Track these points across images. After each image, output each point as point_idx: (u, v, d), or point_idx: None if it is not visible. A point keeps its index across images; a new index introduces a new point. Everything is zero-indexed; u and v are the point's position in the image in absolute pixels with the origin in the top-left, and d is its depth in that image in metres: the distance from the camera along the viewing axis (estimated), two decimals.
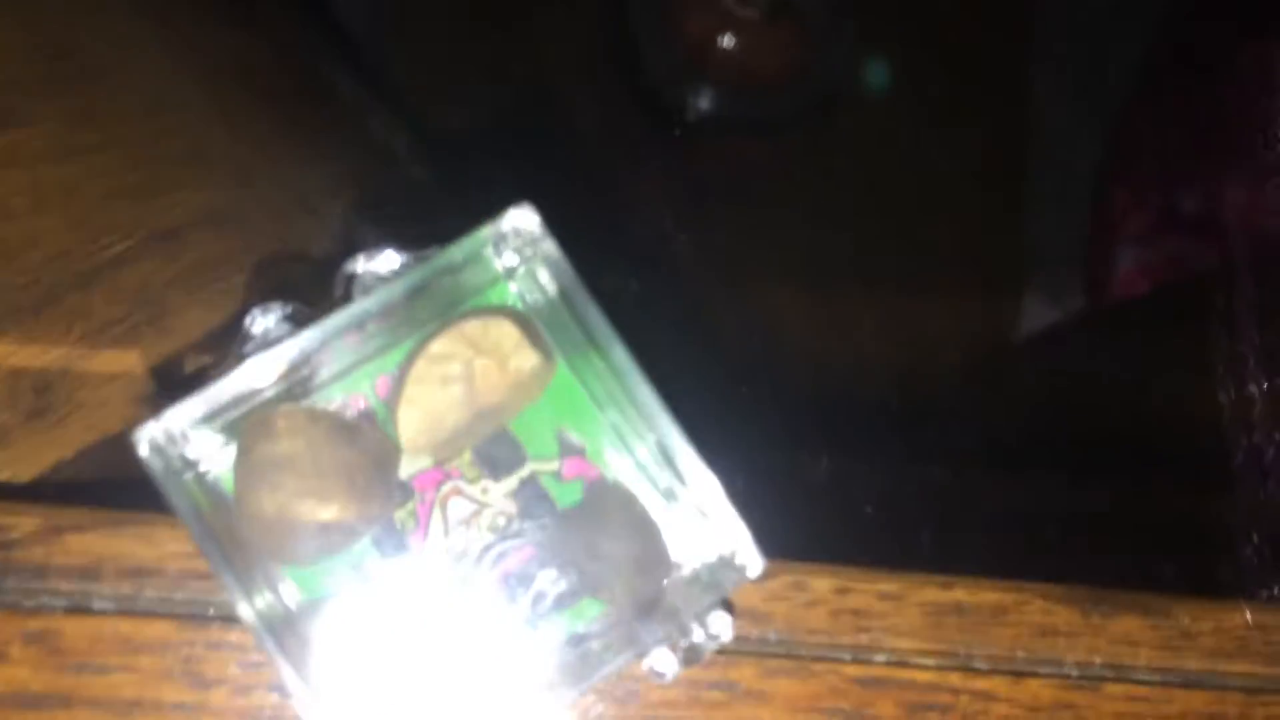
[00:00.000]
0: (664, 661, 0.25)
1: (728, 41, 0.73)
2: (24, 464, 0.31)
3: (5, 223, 0.35)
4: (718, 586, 0.24)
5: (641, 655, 0.25)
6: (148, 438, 0.22)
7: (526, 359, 0.25)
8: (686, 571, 0.25)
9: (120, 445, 0.26)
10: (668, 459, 0.25)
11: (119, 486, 0.30)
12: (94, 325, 0.35)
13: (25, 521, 0.26)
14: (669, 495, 0.25)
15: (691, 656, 0.25)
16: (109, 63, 0.40)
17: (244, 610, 0.22)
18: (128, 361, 0.35)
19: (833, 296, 0.56)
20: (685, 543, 0.26)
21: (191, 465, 0.24)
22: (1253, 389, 0.37)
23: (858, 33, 0.74)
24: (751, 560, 0.24)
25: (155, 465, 0.22)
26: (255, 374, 0.23)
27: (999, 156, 0.69)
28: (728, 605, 0.26)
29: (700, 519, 0.25)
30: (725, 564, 0.24)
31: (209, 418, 0.23)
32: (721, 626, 0.25)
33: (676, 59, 0.73)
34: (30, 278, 0.34)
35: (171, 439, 0.22)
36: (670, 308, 0.28)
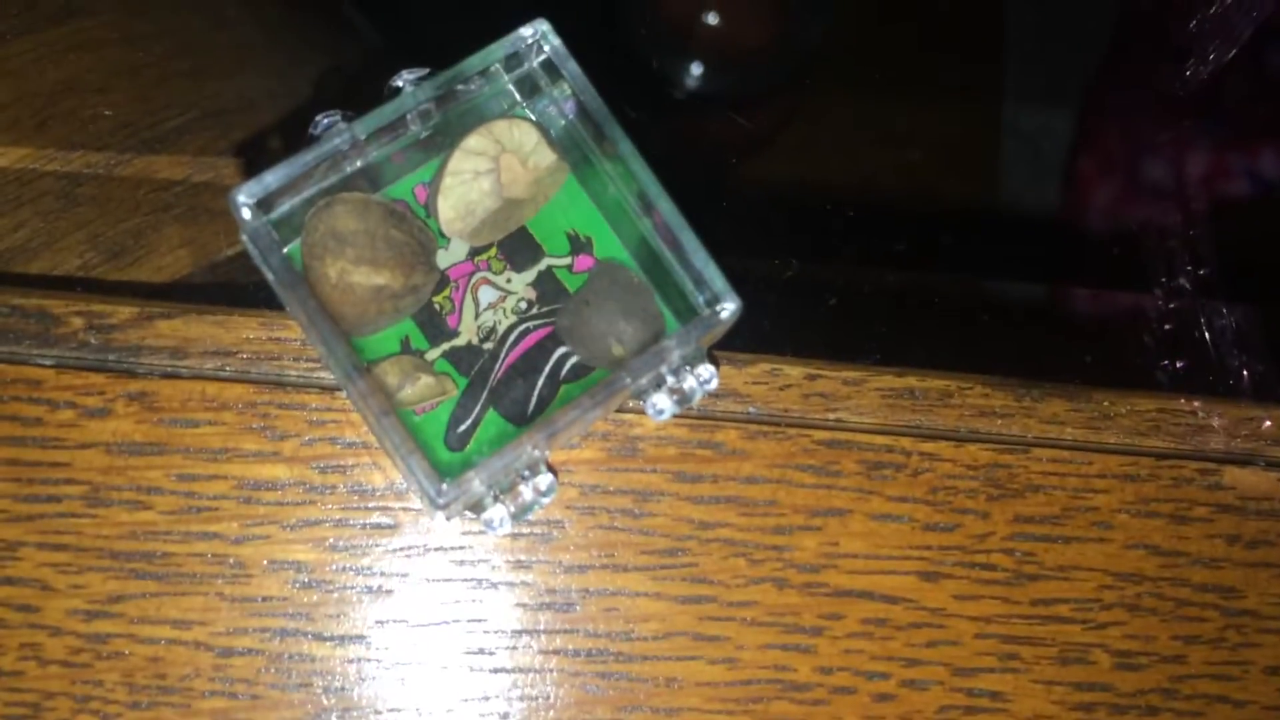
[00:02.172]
0: (662, 402, 0.30)
1: (709, 16, 0.76)
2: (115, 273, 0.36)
3: (75, 95, 0.40)
4: (703, 330, 0.29)
5: (641, 399, 0.30)
6: (244, 195, 0.27)
7: (544, 156, 0.30)
8: (676, 326, 0.31)
9: (189, 276, 0.31)
10: (664, 234, 0.30)
11: (197, 291, 0.35)
12: (159, 184, 0.40)
13: (122, 310, 0.31)
14: (659, 268, 0.31)
15: (684, 399, 0.30)
16: None
17: (325, 358, 0.27)
18: (192, 215, 0.40)
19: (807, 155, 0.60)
20: (672, 303, 0.31)
21: (275, 243, 0.29)
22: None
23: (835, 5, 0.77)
24: (729, 304, 0.29)
25: (249, 224, 0.27)
26: (322, 149, 0.28)
27: (974, 140, 0.72)
28: (712, 359, 0.32)
29: (684, 280, 0.30)
30: (708, 315, 0.29)
31: (287, 188, 0.28)
32: (708, 373, 0.30)
33: (660, 35, 0.76)
34: (101, 143, 0.39)
35: (260, 202, 0.27)
36: (656, 136, 0.32)
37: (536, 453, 0.29)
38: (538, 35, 0.30)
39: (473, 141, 0.30)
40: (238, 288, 0.36)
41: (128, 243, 0.38)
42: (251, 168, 0.41)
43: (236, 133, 0.42)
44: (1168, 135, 0.65)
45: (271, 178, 0.28)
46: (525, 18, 0.30)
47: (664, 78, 0.76)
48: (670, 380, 0.30)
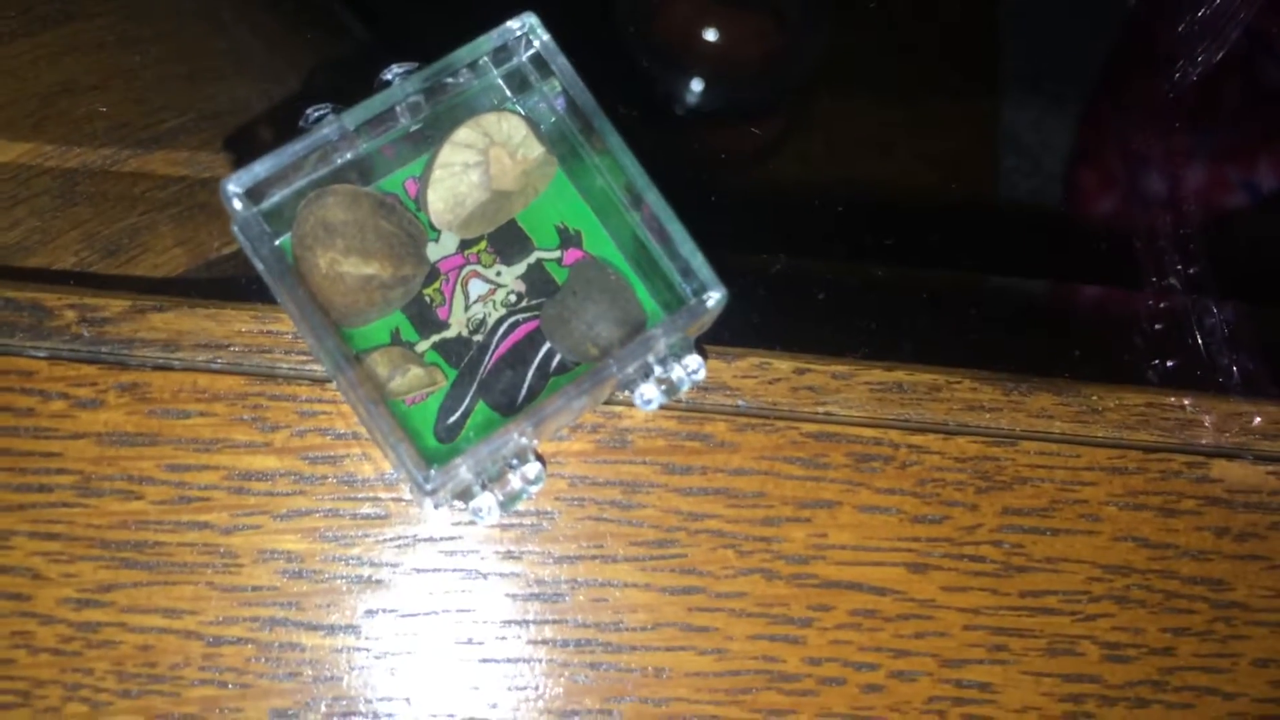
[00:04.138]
0: (649, 392, 0.30)
1: (708, 32, 0.77)
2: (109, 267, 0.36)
3: (72, 96, 0.40)
4: (690, 319, 0.29)
5: (630, 389, 0.30)
6: (234, 185, 0.27)
7: (533, 149, 0.31)
8: (664, 318, 0.31)
9: (184, 275, 0.32)
10: (652, 226, 0.30)
11: (191, 287, 0.36)
12: (155, 183, 0.40)
13: (115, 303, 0.32)
14: (647, 260, 0.31)
15: (672, 389, 0.30)
16: None
17: (315, 348, 0.28)
18: (187, 214, 0.40)
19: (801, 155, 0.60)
20: (659, 295, 0.31)
21: (266, 233, 0.29)
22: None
23: (833, 21, 0.77)
24: (714, 293, 0.29)
25: (239, 214, 0.28)
26: (312, 139, 0.28)
27: (971, 151, 0.73)
28: (701, 350, 0.32)
29: (671, 271, 0.30)
30: (695, 304, 0.29)
31: (277, 178, 0.28)
32: (695, 363, 0.30)
33: (660, 50, 0.76)
34: (98, 142, 0.40)
35: (251, 194, 0.28)
36: (646, 132, 0.33)
37: (524, 441, 0.29)
38: (525, 28, 0.30)
39: (462, 134, 0.30)
40: (231, 283, 0.36)
41: (123, 241, 0.39)
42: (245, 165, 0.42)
43: (231, 134, 0.43)
44: (1165, 148, 0.65)
45: (261, 167, 0.28)
46: (516, 13, 0.30)
47: (662, 93, 0.77)
48: (658, 370, 0.30)
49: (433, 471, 0.27)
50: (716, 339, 0.33)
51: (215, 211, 0.41)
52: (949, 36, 0.69)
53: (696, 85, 0.78)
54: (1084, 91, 0.76)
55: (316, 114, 0.29)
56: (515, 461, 0.29)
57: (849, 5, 0.71)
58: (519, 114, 0.31)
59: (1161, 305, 0.40)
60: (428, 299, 0.32)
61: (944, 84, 0.64)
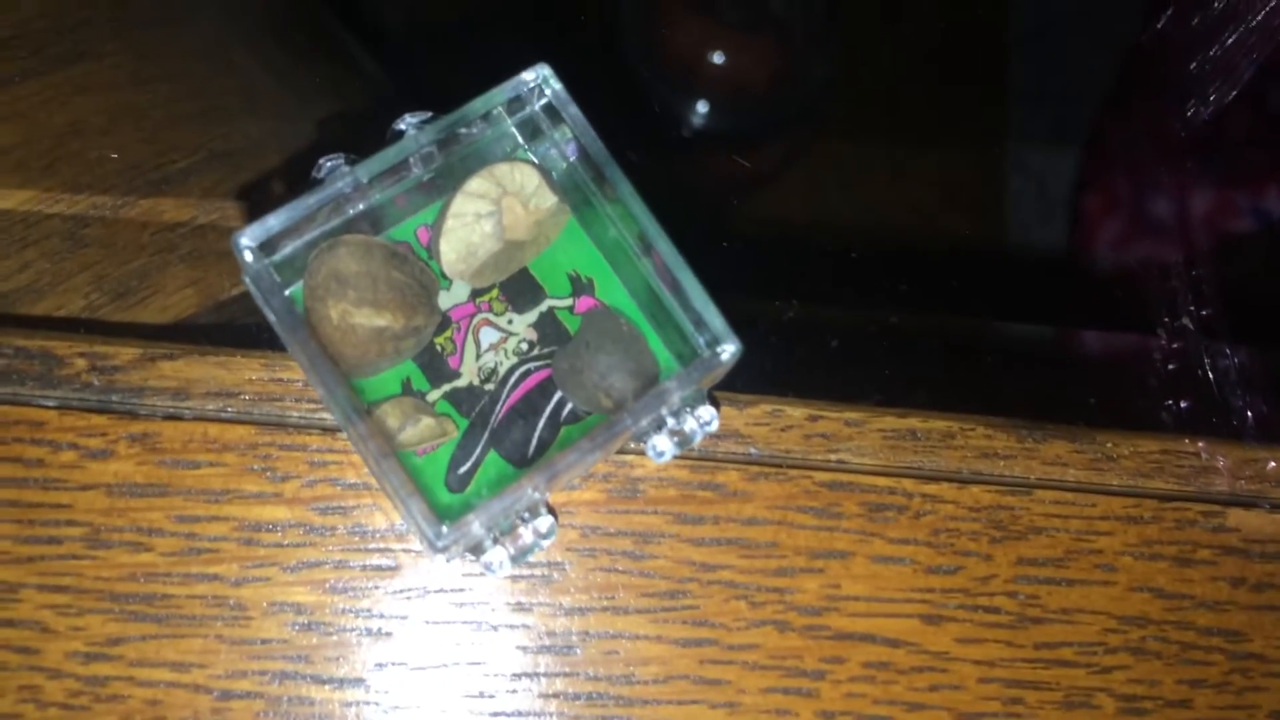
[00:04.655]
0: (662, 444, 0.30)
1: (714, 56, 0.77)
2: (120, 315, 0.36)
3: (82, 137, 0.40)
4: (703, 371, 0.29)
5: (641, 441, 0.30)
6: (246, 239, 0.27)
7: (545, 199, 0.31)
8: (676, 368, 0.31)
9: (194, 316, 0.31)
10: (664, 277, 0.30)
11: (200, 333, 0.35)
12: (165, 225, 0.40)
13: (125, 351, 0.32)
14: (660, 309, 0.31)
15: (684, 441, 0.30)
16: (166, 15, 0.46)
17: (327, 396, 0.27)
18: (198, 255, 0.40)
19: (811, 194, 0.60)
20: (673, 345, 0.31)
21: (277, 285, 0.29)
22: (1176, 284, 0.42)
23: (842, 45, 0.77)
24: (729, 345, 0.29)
25: (251, 266, 0.27)
26: (325, 193, 0.28)
27: (979, 177, 0.72)
28: (713, 401, 0.32)
29: (685, 321, 0.30)
30: (708, 356, 0.29)
31: (289, 231, 0.28)
32: (708, 415, 0.30)
33: (664, 74, 0.76)
34: (108, 184, 0.40)
35: (263, 245, 0.28)
36: (658, 176, 0.33)
37: (536, 495, 0.28)
38: (539, 80, 0.30)
39: (474, 184, 0.30)
40: (242, 328, 0.36)
41: (133, 283, 0.38)
42: (256, 209, 0.41)
43: (243, 174, 0.43)
44: (1172, 173, 0.65)
45: (274, 221, 0.28)
46: (527, 61, 0.30)
47: (668, 116, 0.76)
48: (671, 422, 0.30)
49: (444, 529, 0.27)
50: (729, 386, 0.33)
51: (225, 252, 0.41)
52: (953, 57, 0.69)
53: (703, 108, 0.78)
54: (1091, 116, 0.76)
55: (330, 164, 0.29)
56: (527, 515, 0.29)
57: (856, 27, 0.71)
58: (532, 163, 0.31)
59: (1174, 347, 0.40)
60: (439, 348, 0.31)
61: (953, 114, 0.64)
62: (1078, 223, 0.76)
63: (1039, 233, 0.69)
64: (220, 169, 0.42)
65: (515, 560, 0.29)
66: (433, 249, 0.31)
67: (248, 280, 0.28)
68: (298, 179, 0.42)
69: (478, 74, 0.31)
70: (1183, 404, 0.39)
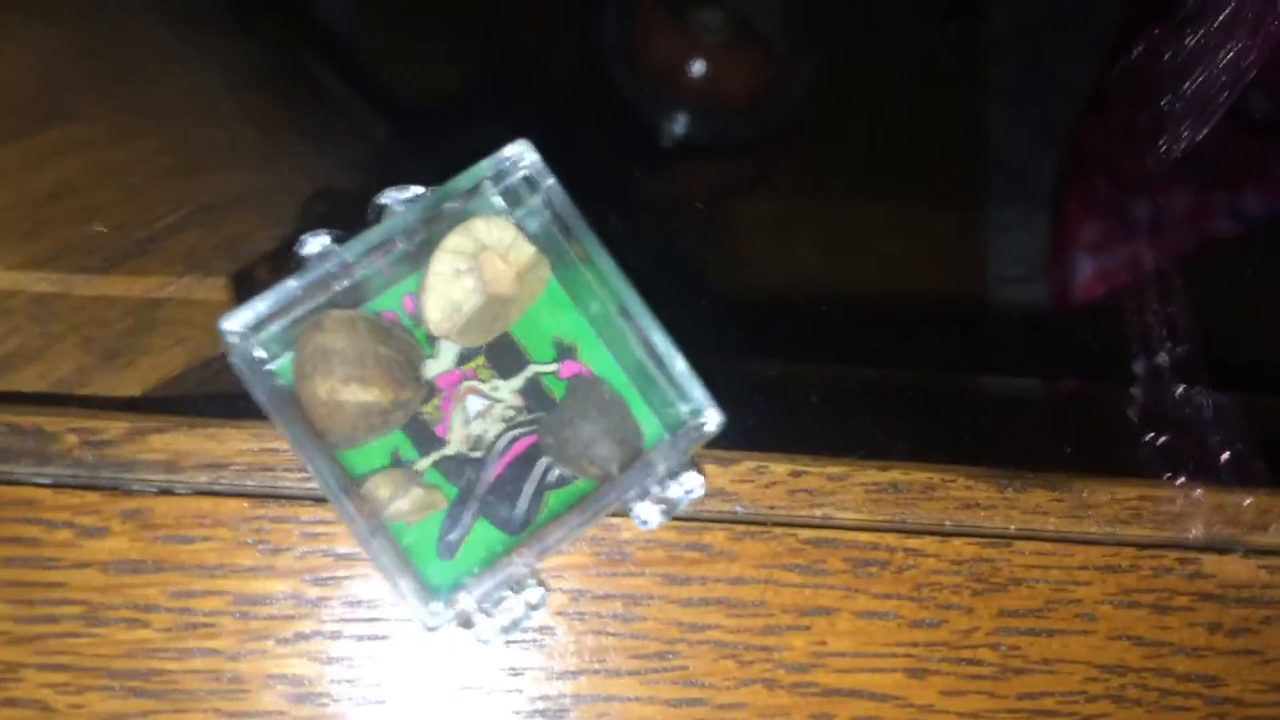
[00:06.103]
0: (647, 512, 0.30)
1: (693, 67, 0.76)
2: (105, 387, 0.36)
3: (68, 197, 0.40)
4: (687, 443, 0.29)
5: (627, 510, 0.30)
6: (231, 325, 0.28)
7: (523, 250, 0.31)
8: (660, 437, 0.31)
9: (182, 375, 0.32)
10: (646, 346, 0.30)
11: (188, 404, 0.36)
12: (152, 285, 0.40)
13: (115, 425, 0.32)
14: (644, 377, 0.31)
15: (670, 508, 0.30)
16: (146, 65, 0.46)
17: (316, 473, 0.28)
18: (184, 313, 0.40)
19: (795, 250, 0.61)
20: (657, 411, 0.31)
21: (261, 362, 0.29)
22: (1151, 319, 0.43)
23: (821, 56, 0.77)
24: (711, 417, 0.29)
25: (237, 349, 0.28)
26: (310, 276, 0.28)
27: (959, 180, 0.73)
28: (696, 463, 0.32)
29: (668, 390, 0.30)
30: (691, 425, 0.30)
31: (276, 313, 0.28)
32: (694, 482, 0.30)
33: (644, 86, 0.76)
34: (93, 245, 0.40)
35: (249, 330, 0.28)
36: (637, 238, 0.33)
37: (525, 568, 0.29)
38: (518, 156, 0.30)
39: (452, 241, 0.31)
40: (230, 394, 0.37)
41: (121, 344, 0.39)
42: (242, 265, 0.42)
43: (228, 228, 0.43)
44: (1152, 174, 0.66)
45: (262, 305, 0.28)
46: (509, 120, 0.30)
47: (647, 126, 0.76)
48: (655, 490, 0.30)
49: (434, 606, 0.27)
50: (713, 444, 0.33)
51: (212, 308, 0.41)
52: (933, 66, 0.70)
53: (683, 118, 0.78)
54: (1071, 116, 0.76)
55: (314, 240, 0.30)
56: (516, 586, 0.29)
57: (836, 36, 0.72)
58: (507, 218, 0.32)
59: (1150, 388, 0.41)
60: (425, 416, 0.32)
61: (929, 167, 0.65)
62: (1059, 223, 0.76)
63: (1015, 288, 0.69)
64: (205, 223, 0.42)
65: (505, 631, 0.29)
66: (418, 313, 0.32)
67: (234, 363, 0.29)
68: (281, 234, 0.43)
69: (460, 114, 0.31)
70: (1158, 443, 0.40)
